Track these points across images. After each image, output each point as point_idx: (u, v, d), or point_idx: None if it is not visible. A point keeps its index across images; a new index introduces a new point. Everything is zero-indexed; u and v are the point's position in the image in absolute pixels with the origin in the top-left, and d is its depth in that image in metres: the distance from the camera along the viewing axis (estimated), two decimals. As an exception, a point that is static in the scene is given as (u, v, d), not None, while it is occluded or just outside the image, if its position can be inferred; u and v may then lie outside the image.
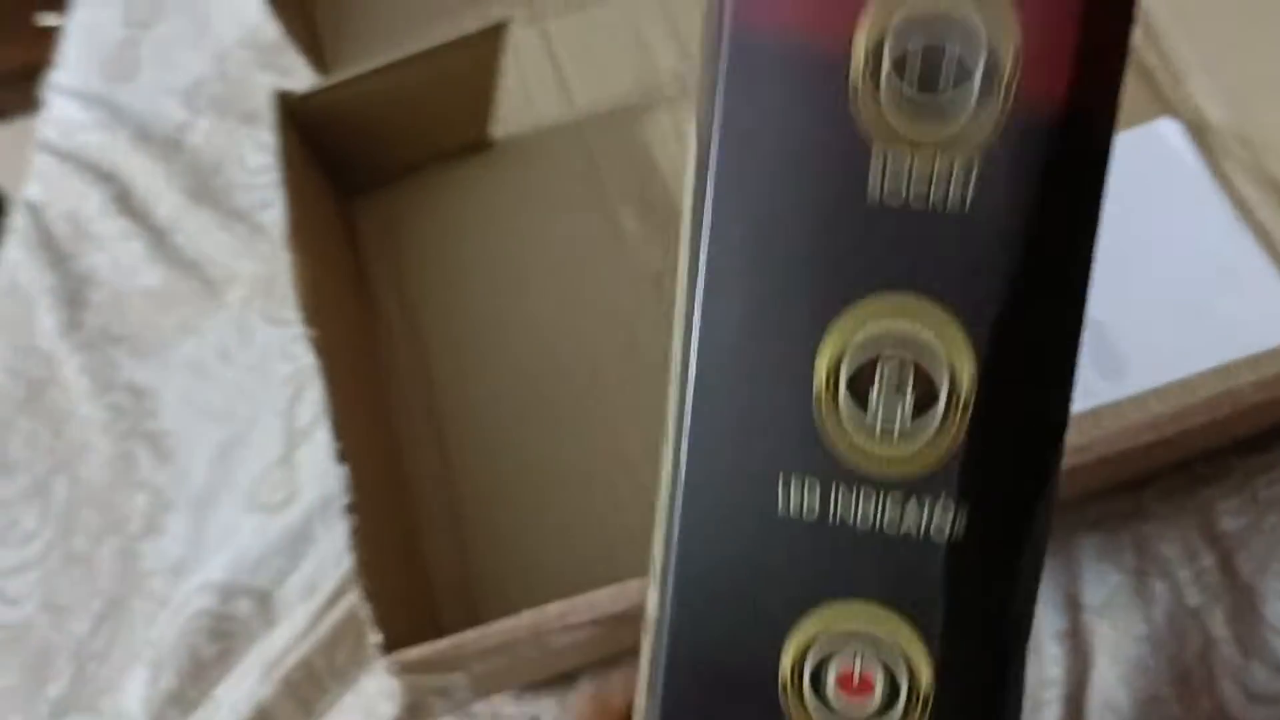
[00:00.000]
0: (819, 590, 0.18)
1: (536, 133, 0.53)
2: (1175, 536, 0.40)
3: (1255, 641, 0.38)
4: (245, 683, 0.44)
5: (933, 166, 0.17)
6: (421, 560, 0.44)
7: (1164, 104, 0.49)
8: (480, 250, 0.51)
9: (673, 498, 0.18)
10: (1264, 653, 0.38)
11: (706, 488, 0.18)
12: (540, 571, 0.44)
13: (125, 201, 0.56)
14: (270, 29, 0.60)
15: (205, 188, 0.56)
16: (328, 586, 0.45)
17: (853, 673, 0.18)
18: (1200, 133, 0.48)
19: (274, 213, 0.55)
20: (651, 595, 0.19)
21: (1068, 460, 0.35)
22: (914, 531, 0.17)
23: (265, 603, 0.46)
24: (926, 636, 0.17)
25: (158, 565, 0.47)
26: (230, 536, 0.47)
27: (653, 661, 0.18)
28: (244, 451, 0.49)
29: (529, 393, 0.47)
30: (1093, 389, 0.43)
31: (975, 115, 0.16)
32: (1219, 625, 0.38)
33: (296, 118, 0.48)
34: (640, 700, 0.19)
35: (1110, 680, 0.38)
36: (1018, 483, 0.17)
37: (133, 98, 0.60)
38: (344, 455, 0.38)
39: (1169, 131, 0.48)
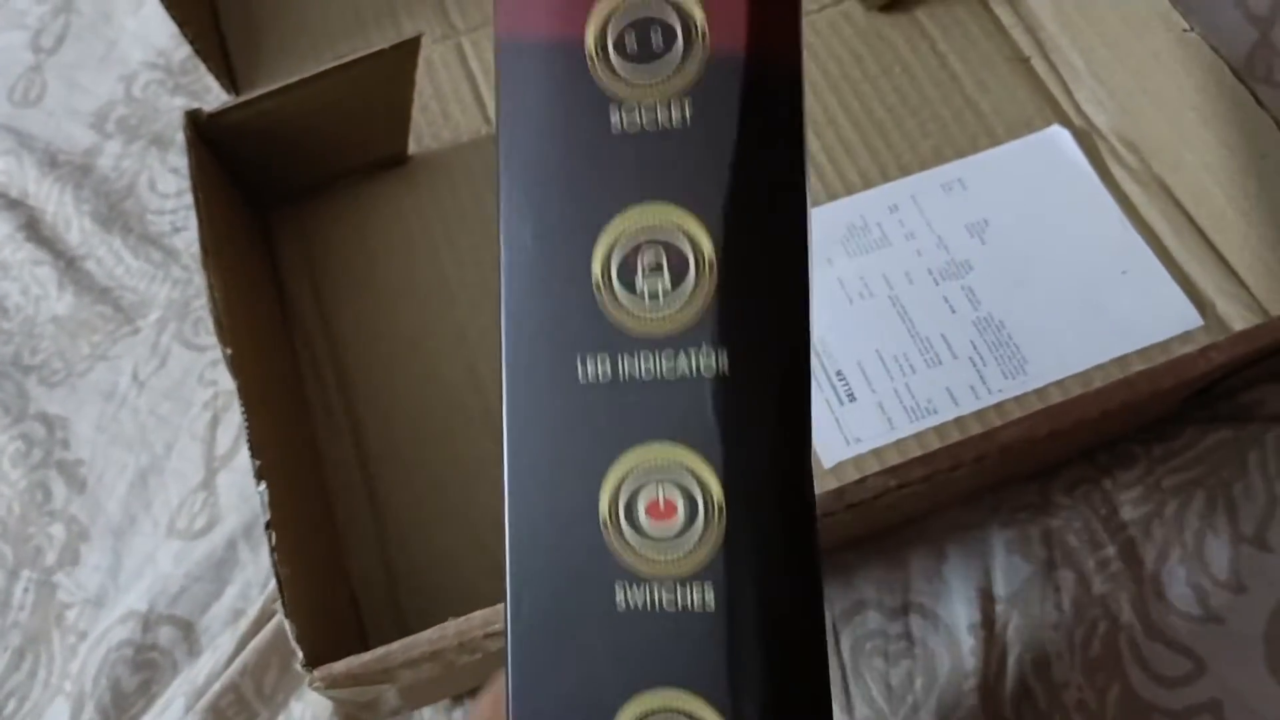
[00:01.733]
0: (621, 438, 0.21)
1: (454, 148, 0.52)
2: (1081, 526, 0.40)
3: (1160, 626, 0.38)
4: (170, 712, 0.42)
5: (656, 104, 0.22)
6: (346, 575, 0.43)
7: (1055, 112, 0.49)
8: (398, 264, 0.49)
9: (501, 388, 0.22)
10: (1168, 636, 0.38)
11: (523, 370, 0.22)
12: (466, 580, 0.42)
13: (34, 228, 0.53)
14: (179, 51, 0.57)
15: (116, 212, 0.53)
16: (253, 611, 0.43)
17: (658, 501, 0.21)
18: (1089, 139, 0.48)
19: (187, 236, 0.52)
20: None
21: (973, 452, 0.35)
22: (688, 374, 0.21)
23: (189, 631, 0.44)
24: (712, 459, 0.21)
25: (76, 597, 0.45)
26: (150, 565, 0.45)
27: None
28: (161, 478, 0.46)
29: (449, 405, 0.46)
30: (996, 386, 0.43)
31: (683, 65, 0.22)
32: (1125, 611, 0.39)
33: (208, 136, 0.46)
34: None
35: (1025, 669, 0.38)
36: (767, 323, 0.21)
37: (39, 123, 0.57)
38: (262, 473, 0.36)
39: (1059, 138, 0.48)
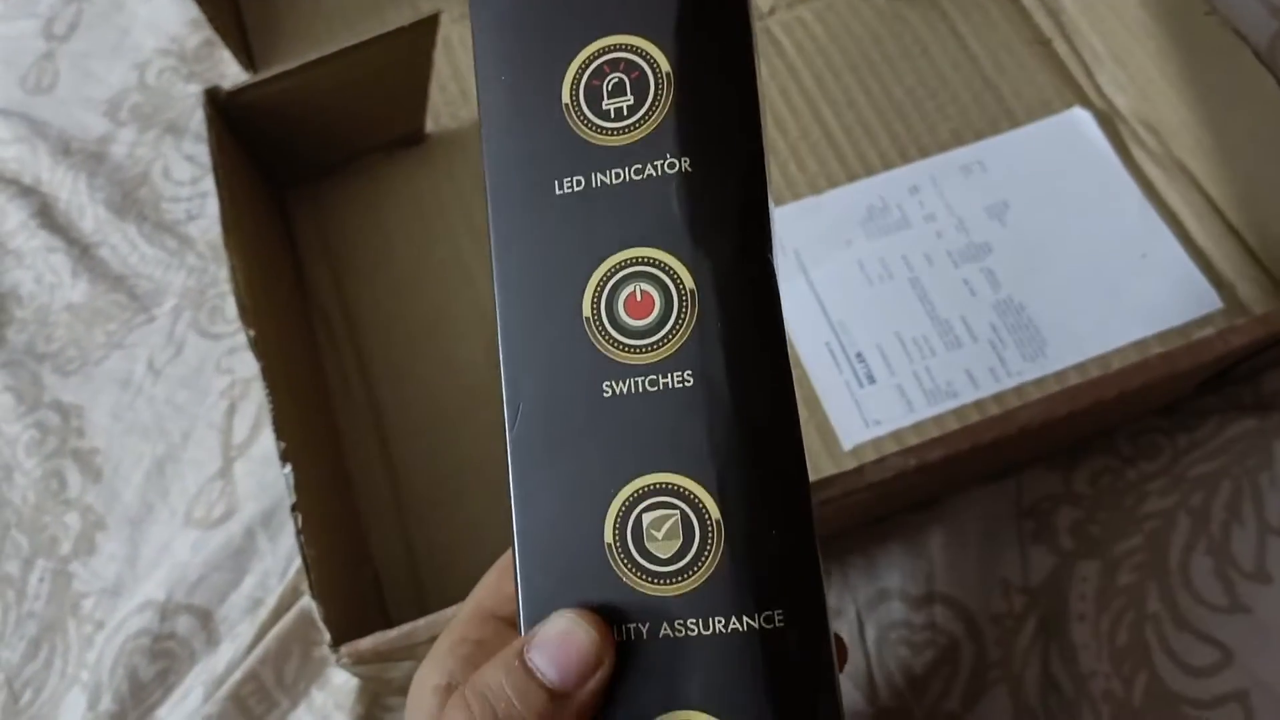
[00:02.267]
0: (597, 244, 0.22)
1: (471, 127, 0.50)
2: (1106, 517, 0.39)
3: (1187, 616, 0.37)
4: (189, 702, 0.41)
5: None
6: (369, 555, 0.42)
7: (1075, 94, 0.47)
8: (416, 244, 0.48)
9: (486, 202, 0.23)
10: (1195, 626, 0.37)
11: (504, 193, 0.23)
12: (487, 558, 0.41)
13: (47, 216, 0.52)
14: (193, 38, 0.56)
15: (130, 200, 0.52)
16: (272, 600, 0.42)
17: (635, 294, 0.22)
18: (1110, 121, 0.47)
19: (202, 224, 0.51)
20: None
21: (991, 434, 0.34)
22: (654, 174, 0.22)
23: (207, 620, 0.42)
24: (681, 253, 0.22)
25: (92, 586, 0.43)
26: (167, 554, 0.43)
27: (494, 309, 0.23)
28: (178, 467, 0.45)
29: (466, 382, 0.45)
30: (1015, 368, 0.42)
31: None
32: (1152, 601, 0.37)
33: (226, 114, 0.45)
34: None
35: (1051, 659, 0.37)
36: (722, 127, 0.22)
37: (52, 111, 0.55)
38: (287, 455, 0.36)
39: (1081, 120, 0.47)
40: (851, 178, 0.46)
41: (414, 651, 0.34)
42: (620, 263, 0.22)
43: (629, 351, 0.22)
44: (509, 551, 0.27)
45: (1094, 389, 0.35)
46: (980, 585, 0.38)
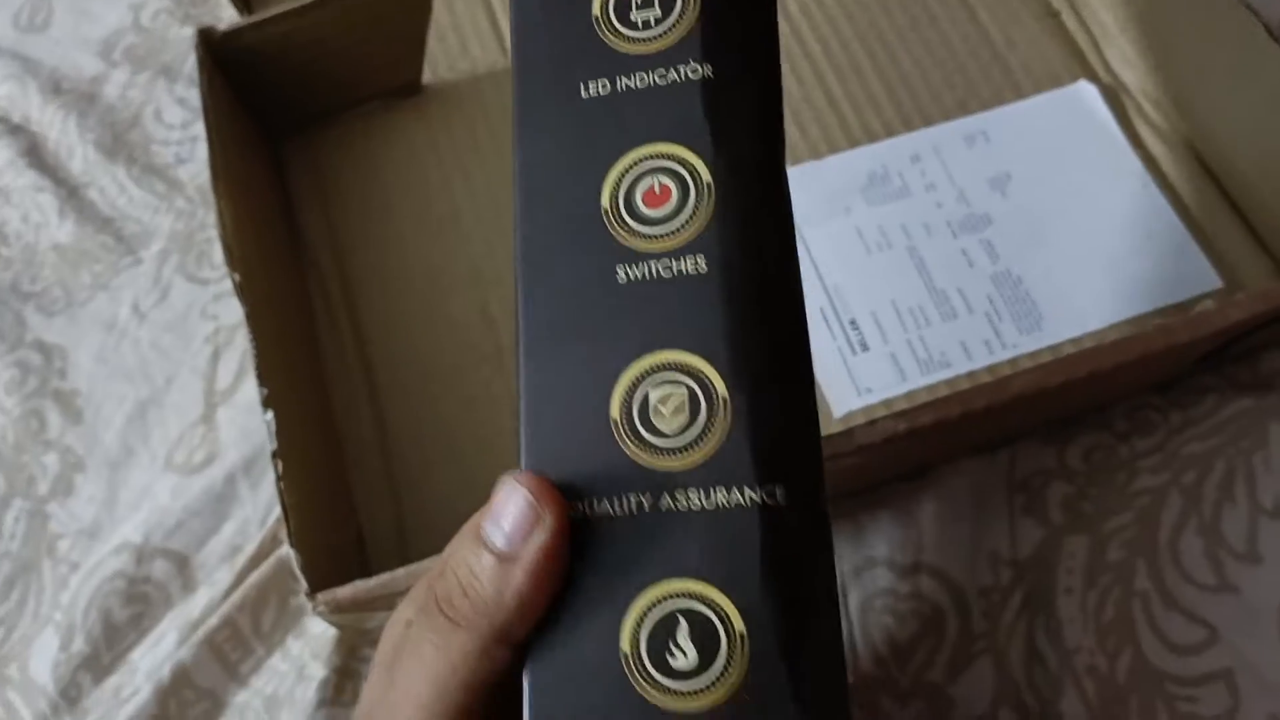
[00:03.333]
0: (620, 141, 0.23)
1: (469, 79, 0.49)
2: (1097, 493, 0.38)
3: (1175, 594, 0.36)
4: (163, 646, 0.40)
5: None
6: (354, 512, 0.41)
7: (1082, 68, 0.46)
8: (412, 198, 0.47)
9: (514, 105, 0.24)
10: (1183, 605, 0.36)
11: (531, 97, 0.24)
12: (471, 512, 0.40)
13: (36, 155, 0.50)
14: (189, -21, 0.54)
15: (120, 142, 0.50)
16: (251, 547, 0.41)
17: (654, 187, 0.23)
18: (1116, 96, 0.45)
19: (192, 168, 0.49)
20: None
21: (984, 400, 0.33)
22: (677, 78, 0.23)
23: (184, 565, 0.41)
24: (701, 151, 0.23)
25: (69, 528, 0.42)
26: (146, 498, 0.42)
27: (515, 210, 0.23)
28: (160, 411, 0.44)
29: (460, 343, 0.43)
30: (1011, 341, 0.41)
31: None
32: (1140, 578, 0.36)
33: (220, 57, 0.43)
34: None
35: (1036, 632, 0.36)
36: (744, 37, 0.23)
37: (45, 49, 0.53)
38: (269, 402, 0.35)
39: (1086, 94, 0.46)
40: (853, 144, 0.45)
41: (392, 602, 0.33)
42: (641, 158, 0.23)
43: (645, 239, 0.22)
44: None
45: (1090, 359, 0.34)
46: (968, 557, 0.37)
